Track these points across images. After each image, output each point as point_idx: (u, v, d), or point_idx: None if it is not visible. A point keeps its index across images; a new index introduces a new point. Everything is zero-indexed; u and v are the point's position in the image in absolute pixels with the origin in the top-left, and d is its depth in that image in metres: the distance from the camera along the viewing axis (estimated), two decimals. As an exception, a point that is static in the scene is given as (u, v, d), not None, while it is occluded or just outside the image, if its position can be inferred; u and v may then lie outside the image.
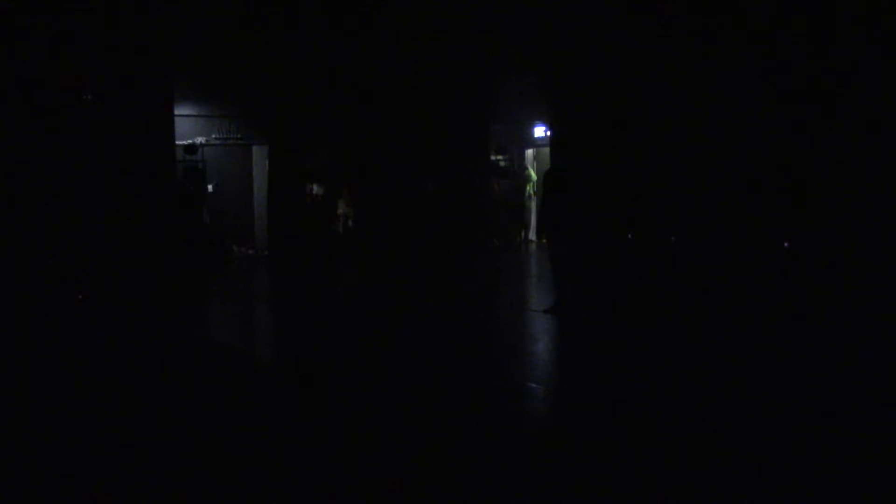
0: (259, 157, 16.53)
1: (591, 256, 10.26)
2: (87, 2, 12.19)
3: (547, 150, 16.52)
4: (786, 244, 9.88)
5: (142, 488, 4.12)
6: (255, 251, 16.36)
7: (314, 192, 15.72)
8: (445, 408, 5.52)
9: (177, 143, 14.62)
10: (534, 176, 17.91)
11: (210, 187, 15.81)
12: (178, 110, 14.68)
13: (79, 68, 12.24)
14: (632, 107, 11.44)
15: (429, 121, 15.06)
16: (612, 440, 4.75)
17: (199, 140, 15.95)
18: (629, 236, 11.58)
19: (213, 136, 16.28)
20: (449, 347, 7.59)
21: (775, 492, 3.89)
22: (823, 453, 4.40)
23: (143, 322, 9.14)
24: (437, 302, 10.40)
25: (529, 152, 18.80)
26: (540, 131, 17.75)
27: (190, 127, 15.91)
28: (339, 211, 16.02)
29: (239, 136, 16.49)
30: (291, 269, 14.02)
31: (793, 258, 9.77)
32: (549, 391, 6.06)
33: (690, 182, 10.77)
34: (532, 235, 17.43)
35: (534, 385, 6.10)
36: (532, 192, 17.67)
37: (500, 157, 17.66)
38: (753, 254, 9.93)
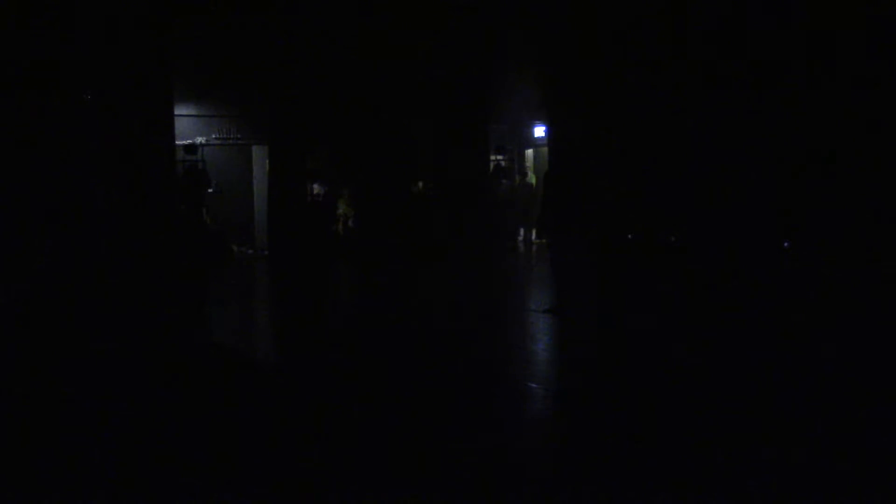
0: (259, 157, 16.53)
1: (591, 256, 10.25)
2: (88, 2, 12.20)
3: (546, 150, 16.52)
4: (786, 244, 9.88)
5: (141, 489, 4.12)
6: (255, 251, 16.36)
7: (314, 192, 15.72)
8: (445, 407, 5.52)
9: (177, 143, 14.63)
10: (532, 178, 17.93)
11: (210, 188, 15.80)
12: (178, 110, 14.68)
13: (79, 68, 12.25)
14: (632, 106, 11.43)
15: (429, 121, 15.06)
16: (613, 441, 4.75)
17: (199, 140, 15.95)
18: (629, 236, 11.57)
19: (213, 136, 16.29)
20: (448, 348, 7.58)
21: (776, 492, 3.90)
22: (823, 454, 4.40)
23: (142, 322, 9.14)
24: (436, 302, 10.40)
25: (529, 152, 18.80)
26: (540, 131, 17.75)
27: (190, 127, 15.91)
28: (339, 211, 16.03)
29: (239, 136, 16.50)
30: (291, 269, 14.02)
31: (793, 258, 9.76)
32: (549, 391, 6.06)
33: (691, 182, 10.77)
34: (532, 236, 17.45)
35: (533, 385, 6.10)
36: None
37: (500, 157, 17.67)
38: (753, 254, 9.92)
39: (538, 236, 16.78)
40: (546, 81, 13.82)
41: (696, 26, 10.51)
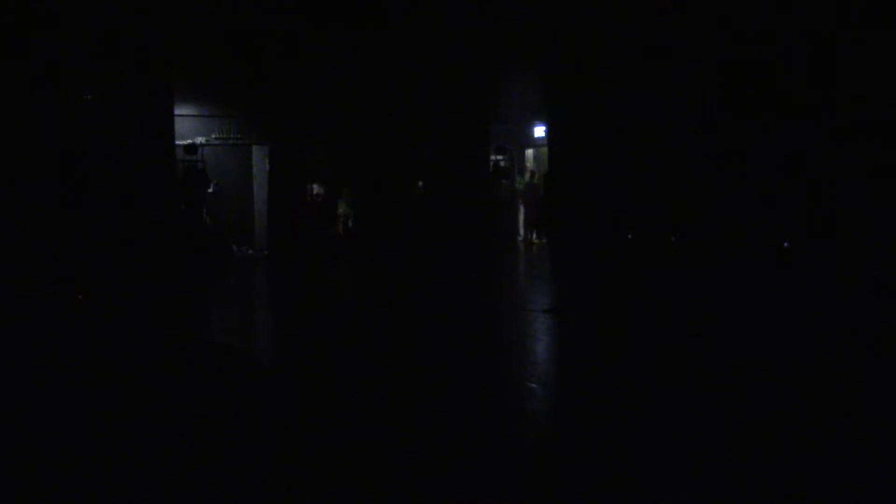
0: (259, 157, 16.53)
1: (592, 256, 10.25)
2: (88, 2, 12.20)
3: (547, 150, 16.53)
4: (786, 244, 9.88)
5: (141, 489, 4.12)
6: (255, 251, 16.35)
7: (314, 192, 15.72)
8: (445, 407, 5.52)
9: (177, 143, 14.63)
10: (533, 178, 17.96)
11: (210, 188, 15.80)
12: (178, 110, 14.68)
13: (79, 68, 12.25)
14: (632, 107, 11.43)
15: (429, 121, 15.08)
16: (613, 440, 4.75)
17: (199, 140, 15.94)
18: (629, 236, 11.57)
19: (213, 136, 16.28)
20: (448, 347, 7.58)
21: (776, 492, 3.90)
22: (822, 455, 4.40)
23: (142, 322, 9.14)
24: (436, 302, 10.40)
25: (529, 152, 18.82)
26: (540, 131, 17.76)
27: (190, 127, 15.91)
28: (339, 211, 16.03)
29: (239, 136, 16.49)
30: (291, 269, 14.03)
31: (793, 258, 9.76)
32: (549, 391, 6.06)
33: (690, 182, 10.77)
34: (533, 236, 17.46)
35: (533, 385, 6.10)
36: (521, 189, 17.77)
37: (500, 156, 17.68)
38: (753, 254, 9.92)
39: (538, 236, 16.80)
40: (546, 81, 13.81)
41: (697, 26, 10.51)
